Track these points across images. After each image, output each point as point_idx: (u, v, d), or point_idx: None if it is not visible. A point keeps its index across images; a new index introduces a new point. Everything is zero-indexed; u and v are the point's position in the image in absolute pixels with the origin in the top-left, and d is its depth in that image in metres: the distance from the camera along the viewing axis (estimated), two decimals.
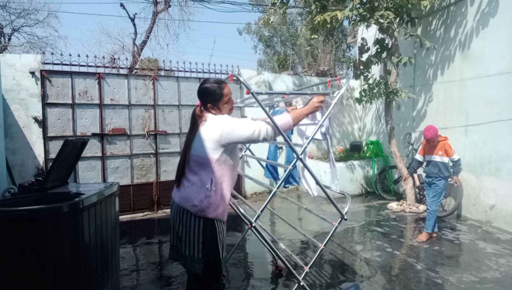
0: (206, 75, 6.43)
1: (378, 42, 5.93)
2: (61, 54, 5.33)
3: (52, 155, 5.16)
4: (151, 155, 5.96)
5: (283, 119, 2.05)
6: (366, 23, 5.70)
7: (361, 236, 4.63)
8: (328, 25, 5.37)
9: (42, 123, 5.17)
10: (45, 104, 5.19)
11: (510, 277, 3.34)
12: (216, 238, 1.96)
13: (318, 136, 2.54)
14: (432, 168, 4.34)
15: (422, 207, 5.71)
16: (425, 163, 4.52)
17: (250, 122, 1.96)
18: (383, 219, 5.35)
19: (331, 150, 2.65)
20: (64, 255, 2.01)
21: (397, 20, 5.49)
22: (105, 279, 2.48)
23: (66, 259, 2.02)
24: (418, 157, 4.63)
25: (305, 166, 2.46)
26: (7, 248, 1.90)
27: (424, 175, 4.74)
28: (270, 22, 6.74)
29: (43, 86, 5.15)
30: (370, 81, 6.10)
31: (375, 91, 6.01)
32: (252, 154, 3.86)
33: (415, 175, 6.11)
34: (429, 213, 4.39)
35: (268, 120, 2.01)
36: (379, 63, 6.09)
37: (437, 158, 4.30)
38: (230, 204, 3.05)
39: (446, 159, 4.27)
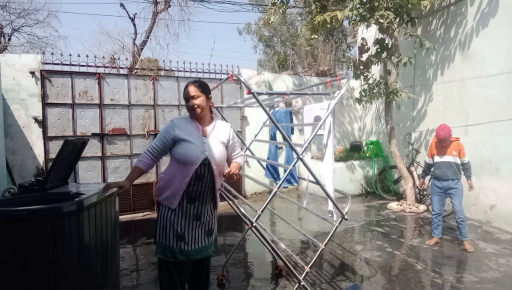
0: (206, 75, 6.43)
1: (378, 42, 5.93)
2: (61, 54, 5.33)
3: (52, 155, 5.15)
4: None
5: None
6: (366, 23, 5.70)
7: (361, 236, 4.63)
8: (328, 25, 5.37)
9: (42, 123, 5.17)
10: (45, 104, 5.18)
11: (510, 277, 3.34)
12: (157, 221, 2.21)
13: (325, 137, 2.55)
14: (447, 169, 4.06)
15: (422, 207, 5.71)
16: (435, 166, 4.22)
17: None
18: (383, 219, 5.35)
19: (331, 151, 2.64)
20: (64, 255, 2.01)
21: (397, 20, 5.49)
22: (105, 279, 2.48)
23: (66, 259, 2.02)
24: (428, 159, 4.34)
25: (305, 166, 2.45)
26: (7, 248, 1.90)
27: (427, 178, 4.63)
28: (270, 22, 6.74)
29: (43, 86, 5.15)
30: (370, 81, 6.10)
31: (375, 91, 6.01)
32: (252, 154, 3.86)
33: (415, 175, 6.12)
34: (463, 221, 4.04)
35: None
36: (379, 63, 6.09)
37: (450, 158, 4.04)
38: (230, 204, 3.06)
39: (459, 160, 4.06)
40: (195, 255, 2.19)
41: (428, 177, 5.96)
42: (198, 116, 2.20)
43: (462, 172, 4.14)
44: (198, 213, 2.19)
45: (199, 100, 2.16)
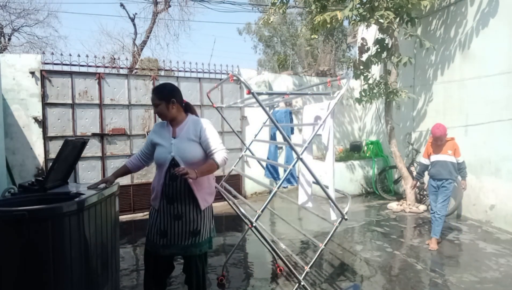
0: (206, 75, 6.43)
1: (378, 42, 5.93)
2: (61, 54, 5.34)
3: (52, 155, 5.16)
4: None
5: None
6: (366, 23, 5.70)
7: (361, 236, 4.63)
8: (328, 25, 5.37)
9: (42, 123, 5.17)
10: (45, 104, 5.19)
11: (510, 277, 3.34)
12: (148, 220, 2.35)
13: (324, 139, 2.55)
14: (441, 169, 4.06)
15: (422, 207, 5.71)
16: (431, 165, 4.25)
17: None
18: (383, 219, 5.35)
19: (332, 152, 2.64)
20: (64, 255, 2.01)
21: (397, 20, 5.49)
22: (105, 279, 2.47)
23: (66, 259, 2.02)
24: (424, 160, 4.38)
25: (305, 166, 2.45)
26: (7, 248, 1.90)
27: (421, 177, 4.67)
28: (270, 22, 6.74)
29: (43, 86, 5.15)
30: (370, 81, 6.10)
31: (375, 91, 6.01)
32: (252, 154, 3.86)
33: (415, 175, 6.11)
34: (439, 219, 4.10)
35: None
36: (379, 63, 6.09)
37: (446, 157, 4.05)
38: (230, 204, 3.05)
39: (454, 159, 4.05)
40: (176, 250, 2.26)
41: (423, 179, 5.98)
42: (169, 120, 2.31)
43: (458, 172, 4.17)
44: (179, 213, 2.22)
45: (159, 108, 2.25)
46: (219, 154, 2.22)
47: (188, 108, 2.40)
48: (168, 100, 2.24)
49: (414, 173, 6.11)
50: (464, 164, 4.15)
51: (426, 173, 4.51)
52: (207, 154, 2.26)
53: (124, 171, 2.45)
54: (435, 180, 4.16)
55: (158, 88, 2.29)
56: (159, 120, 2.49)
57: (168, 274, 2.49)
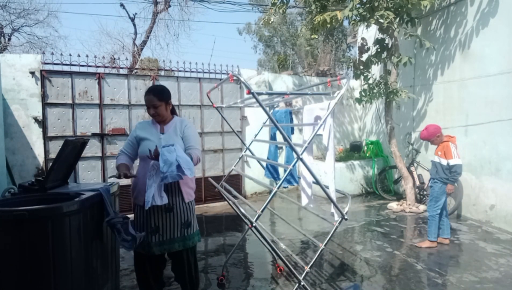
0: (206, 75, 6.43)
1: (378, 42, 5.93)
2: (61, 54, 5.33)
3: (52, 155, 5.15)
4: None
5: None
6: (366, 23, 5.70)
7: (361, 236, 4.63)
8: (328, 25, 5.37)
9: (42, 123, 5.17)
10: (45, 104, 5.18)
11: (510, 277, 3.34)
12: (134, 220, 2.33)
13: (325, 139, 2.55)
14: (432, 169, 4.18)
15: (422, 207, 5.71)
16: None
17: None
18: (383, 219, 5.35)
19: (332, 153, 2.63)
20: (64, 255, 2.01)
21: (397, 20, 5.49)
22: (105, 279, 2.48)
23: (66, 259, 2.02)
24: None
25: (305, 166, 2.45)
26: (7, 248, 1.90)
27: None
28: (270, 22, 6.74)
29: (43, 86, 5.15)
30: (370, 81, 6.10)
31: (375, 91, 6.01)
32: (252, 154, 3.86)
33: (415, 175, 6.12)
34: (428, 219, 4.11)
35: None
36: (379, 63, 6.09)
37: (435, 158, 4.09)
38: (230, 204, 3.05)
39: (444, 161, 3.97)
40: (169, 245, 2.29)
41: (416, 175, 6.05)
42: (160, 120, 2.40)
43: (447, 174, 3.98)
44: (170, 205, 2.28)
45: (160, 109, 2.33)
46: (195, 151, 2.31)
47: (172, 109, 2.53)
48: (167, 101, 2.37)
49: (415, 174, 6.12)
50: (455, 167, 3.87)
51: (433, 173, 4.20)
52: (185, 149, 2.33)
53: (125, 166, 2.42)
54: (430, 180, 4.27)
55: (157, 90, 2.35)
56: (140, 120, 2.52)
57: (163, 268, 2.55)
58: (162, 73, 6.39)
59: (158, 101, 2.31)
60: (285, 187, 4.75)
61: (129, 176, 2.27)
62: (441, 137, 4.08)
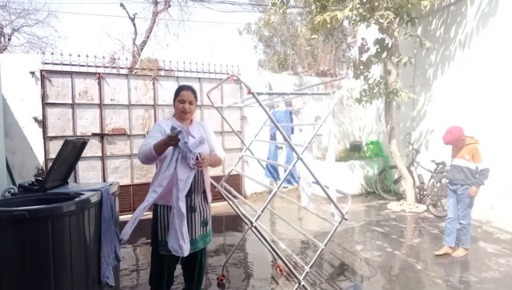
0: (206, 75, 6.43)
1: (378, 42, 5.93)
2: (61, 54, 5.33)
3: (52, 155, 5.15)
4: None
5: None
6: (366, 23, 5.70)
7: (361, 236, 4.63)
8: (328, 25, 5.37)
9: (42, 123, 5.17)
10: (45, 104, 5.18)
11: (510, 277, 3.34)
12: (156, 222, 2.34)
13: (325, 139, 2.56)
14: (457, 174, 3.79)
15: (422, 207, 5.71)
16: (450, 168, 4.00)
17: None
18: (383, 219, 5.35)
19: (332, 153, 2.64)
20: (64, 255, 2.01)
21: (397, 20, 5.50)
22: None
23: (66, 259, 2.02)
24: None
25: (305, 166, 2.45)
26: (7, 248, 1.90)
27: (444, 180, 4.47)
28: (270, 22, 6.74)
29: (43, 86, 5.15)
30: (370, 81, 6.10)
31: (375, 91, 6.01)
32: (252, 154, 3.86)
33: (415, 175, 6.12)
34: (464, 228, 3.82)
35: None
36: (379, 63, 6.09)
37: (462, 162, 3.75)
38: (230, 204, 3.05)
39: (472, 165, 3.70)
40: (194, 244, 2.32)
41: (416, 175, 5.98)
42: (187, 118, 2.43)
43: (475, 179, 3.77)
44: (194, 205, 2.32)
45: (194, 106, 2.41)
46: (222, 153, 2.51)
47: None
48: (196, 100, 2.48)
49: (414, 174, 6.12)
50: (485, 171, 3.69)
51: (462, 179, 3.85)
52: (210, 152, 2.45)
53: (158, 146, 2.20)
54: (452, 185, 3.90)
55: (192, 88, 2.45)
56: (158, 120, 2.52)
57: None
58: (162, 73, 6.39)
59: (195, 99, 2.41)
60: (285, 187, 4.76)
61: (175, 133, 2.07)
62: (465, 139, 3.81)
